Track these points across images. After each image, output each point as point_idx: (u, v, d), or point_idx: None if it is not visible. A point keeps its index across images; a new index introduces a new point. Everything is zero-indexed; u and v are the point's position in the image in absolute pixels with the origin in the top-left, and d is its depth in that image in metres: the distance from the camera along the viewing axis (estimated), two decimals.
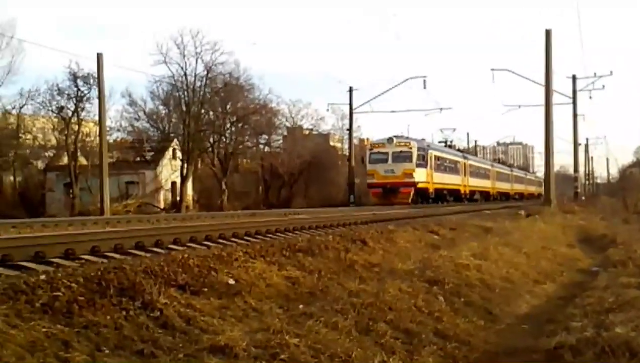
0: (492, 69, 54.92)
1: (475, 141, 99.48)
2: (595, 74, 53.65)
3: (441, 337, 8.49)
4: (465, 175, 58.64)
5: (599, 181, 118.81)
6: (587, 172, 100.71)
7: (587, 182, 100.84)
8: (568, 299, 12.87)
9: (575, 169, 63.00)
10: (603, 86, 53.16)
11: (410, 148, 45.28)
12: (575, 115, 55.60)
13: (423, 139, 51.30)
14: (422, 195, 46.44)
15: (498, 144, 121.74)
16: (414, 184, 44.23)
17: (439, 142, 62.47)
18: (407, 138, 48.08)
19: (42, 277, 7.28)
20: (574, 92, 53.66)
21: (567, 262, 19.31)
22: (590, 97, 54.41)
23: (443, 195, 51.04)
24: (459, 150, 62.77)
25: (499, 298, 12.09)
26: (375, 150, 47.10)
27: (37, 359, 5.52)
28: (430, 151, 48.15)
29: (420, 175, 45.08)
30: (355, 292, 9.62)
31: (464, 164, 59.06)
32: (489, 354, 8.35)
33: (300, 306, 8.61)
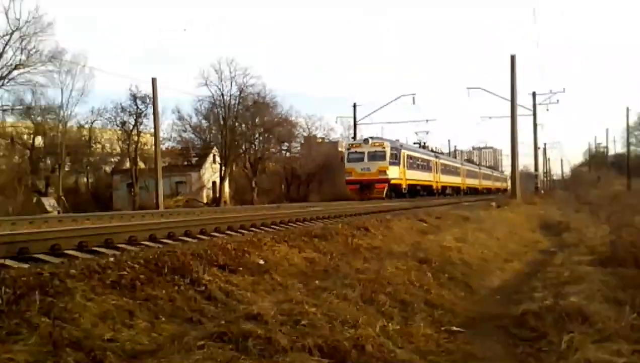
0: (468, 88, 55.57)
1: (455, 146, 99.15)
2: (551, 90, 54.19)
3: (430, 306, 8.47)
4: (437, 172, 53.84)
5: (555, 178, 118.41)
6: (545, 170, 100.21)
7: (545, 179, 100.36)
8: (532, 274, 12.83)
9: (536, 168, 63.38)
10: (557, 100, 53.36)
11: (384, 148, 40.28)
12: (535, 125, 55.62)
13: (397, 140, 46.19)
14: (396, 191, 41.63)
15: (473, 148, 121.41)
16: (388, 181, 39.49)
17: (414, 143, 57.23)
18: (382, 139, 43.30)
19: (111, 259, 7.35)
20: (534, 105, 53.66)
21: (530, 244, 19.26)
22: (547, 110, 54.82)
23: (416, 190, 46.62)
24: (431, 150, 56.95)
25: (476, 274, 12.06)
26: (352, 150, 42.00)
27: (108, 326, 5.56)
28: (403, 151, 43.19)
29: (394, 172, 40.31)
30: (360, 270, 9.61)
31: (436, 162, 54.12)
32: (469, 319, 8.34)
33: (317, 281, 8.63)
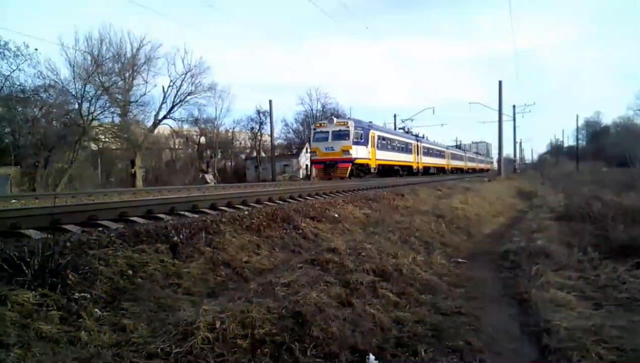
0: (470, 103, 54.94)
1: (461, 141, 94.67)
2: (525, 103, 52.63)
3: (444, 245, 8.34)
4: (418, 154, 39.06)
5: (527, 162, 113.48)
6: (520, 157, 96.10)
7: (520, 162, 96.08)
8: (511, 225, 12.44)
9: (514, 155, 61.79)
10: (530, 110, 51.70)
11: (348, 127, 26.83)
12: (514, 127, 53.08)
13: (370, 122, 31.60)
14: (364, 170, 28.34)
15: (473, 142, 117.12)
16: (351, 160, 26.49)
17: (399, 128, 42.30)
18: (348, 118, 29.65)
19: (245, 212, 7.52)
20: (514, 114, 51.35)
21: (510, 205, 18.61)
22: (523, 116, 53.28)
23: (394, 171, 32.97)
24: (414, 134, 41.71)
25: (474, 225, 11.77)
26: (318, 129, 28.08)
27: (245, 252, 5.72)
28: (372, 131, 29.14)
29: (359, 152, 27.06)
30: (398, 221, 9.53)
31: (417, 145, 39.26)
32: (469, 254, 8.17)
33: (371, 228, 8.61)
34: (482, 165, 77.07)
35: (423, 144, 41.78)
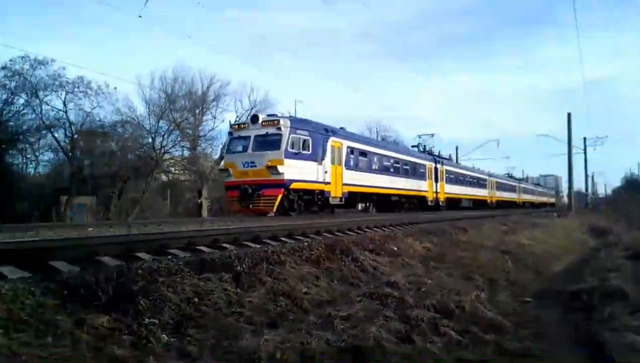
0: (537, 134, 52.95)
1: (528, 174, 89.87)
2: (597, 136, 50.15)
3: (510, 283, 7.97)
4: (437, 181, 28.21)
5: (600, 196, 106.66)
6: (592, 191, 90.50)
7: (592, 197, 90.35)
8: (582, 264, 11.68)
9: (586, 190, 58.30)
10: (602, 143, 48.68)
11: (279, 128, 15.26)
12: (585, 160, 50.73)
13: (342, 128, 19.53)
14: (318, 201, 16.89)
15: (541, 175, 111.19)
16: (283, 183, 14.91)
17: (412, 146, 31.41)
18: (285, 116, 16.35)
19: (306, 244, 7.57)
20: (585, 146, 48.92)
21: (582, 242, 17.51)
22: (594, 149, 49.50)
23: (390, 203, 22.75)
24: (435, 154, 30.83)
25: (543, 262, 11.16)
26: (235, 133, 16.18)
27: (305, 284, 5.75)
28: (334, 140, 17.65)
29: (300, 171, 15.55)
30: (461, 257, 9.25)
31: (434, 168, 28.17)
32: (538, 293, 7.75)
33: (432, 263, 8.39)
34: (543, 199, 67.09)
35: (446, 168, 30.63)
